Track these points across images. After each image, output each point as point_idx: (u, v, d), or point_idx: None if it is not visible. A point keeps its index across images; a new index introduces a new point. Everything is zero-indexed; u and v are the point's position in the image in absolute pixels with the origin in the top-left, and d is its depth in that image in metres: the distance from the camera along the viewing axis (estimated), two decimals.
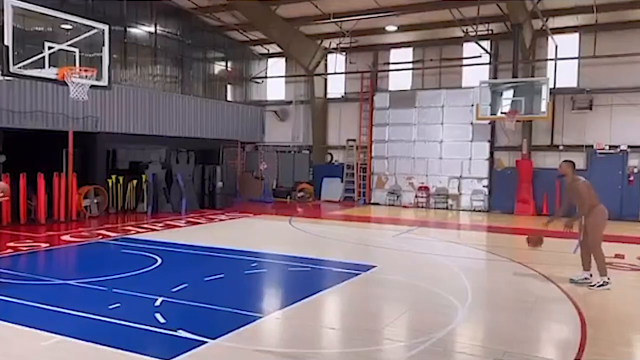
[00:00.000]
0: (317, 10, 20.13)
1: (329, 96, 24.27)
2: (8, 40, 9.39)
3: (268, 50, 24.93)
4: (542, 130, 19.87)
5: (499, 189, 20.19)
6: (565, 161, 8.93)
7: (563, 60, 19.13)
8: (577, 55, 19.19)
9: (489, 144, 20.57)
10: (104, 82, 11.10)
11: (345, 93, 23.85)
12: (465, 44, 20.95)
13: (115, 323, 6.20)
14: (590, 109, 19.05)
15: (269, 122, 25.10)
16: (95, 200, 15.99)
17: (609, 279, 8.39)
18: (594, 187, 8.71)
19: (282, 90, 25.48)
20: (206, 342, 5.66)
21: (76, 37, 10.76)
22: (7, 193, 8.97)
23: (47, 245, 11.53)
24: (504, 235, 14.94)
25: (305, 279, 9.06)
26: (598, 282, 8.36)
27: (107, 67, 11.12)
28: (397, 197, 21.95)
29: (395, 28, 20.31)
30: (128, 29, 19.70)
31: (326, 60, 23.98)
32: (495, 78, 20.32)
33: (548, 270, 9.60)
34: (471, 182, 20.78)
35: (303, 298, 7.53)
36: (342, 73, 23.28)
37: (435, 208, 20.99)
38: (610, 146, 18.65)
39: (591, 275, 8.55)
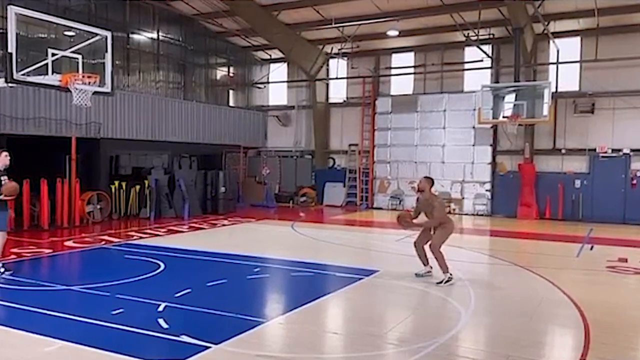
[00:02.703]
0: (318, 16, 20.19)
1: (330, 101, 24.30)
2: (12, 47, 9.47)
3: (270, 55, 25.00)
4: (545, 134, 19.86)
5: (502, 193, 20.16)
6: (425, 177, 9.43)
7: (565, 63, 19.13)
8: (578, 59, 19.19)
9: (491, 147, 20.55)
10: (107, 88, 11.17)
11: (347, 98, 23.88)
12: (466, 48, 20.98)
13: (119, 328, 6.21)
14: (593, 112, 19.03)
15: (271, 127, 25.16)
16: (99, 206, 16.03)
17: (451, 274, 8.72)
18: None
19: (284, 95, 25.53)
20: (209, 347, 5.66)
21: (79, 43, 10.83)
22: (16, 193, 9.07)
23: (51, 251, 11.56)
24: (507, 239, 14.92)
25: (308, 284, 9.06)
26: (444, 279, 8.67)
27: (110, 74, 11.19)
28: (400, 201, 21.92)
29: (396, 33, 20.36)
30: (131, 36, 19.80)
31: (328, 65, 24.04)
32: (497, 82, 20.32)
33: (551, 273, 9.59)
34: (474, 186, 20.76)
35: (306, 303, 7.53)
36: (343, 78, 23.31)
37: None
38: (612, 149, 18.63)
39: (432, 268, 9.08)
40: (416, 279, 9.05)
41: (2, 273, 8.85)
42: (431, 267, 9.12)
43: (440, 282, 8.64)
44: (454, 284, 8.60)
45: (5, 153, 8.98)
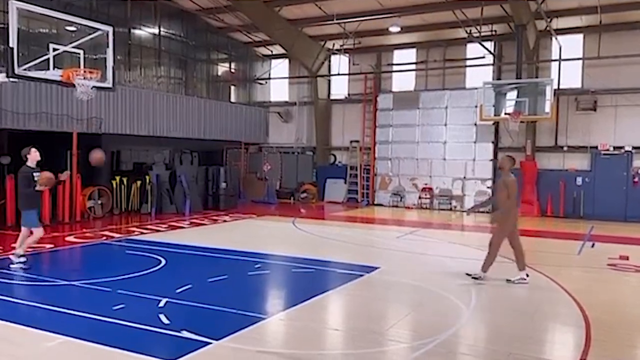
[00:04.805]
0: (320, 12, 20.13)
1: (332, 97, 24.27)
2: (13, 42, 9.45)
3: (271, 51, 24.95)
4: (546, 131, 19.83)
5: None
6: (507, 156, 9.10)
7: (567, 61, 19.07)
8: (581, 56, 19.13)
9: (493, 145, 20.52)
10: (108, 83, 11.15)
11: (348, 94, 23.84)
12: (468, 45, 20.92)
13: (120, 324, 6.22)
14: (595, 109, 18.98)
15: (272, 123, 25.13)
16: (100, 202, 16.04)
17: (484, 276, 8.62)
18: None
19: (285, 91, 25.50)
20: (210, 343, 5.67)
21: (80, 38, 10.80)
22: (51, 184, 9.28)
23: (52, 246, 11.56)
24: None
25: (309, 280, 9.06)
26: (477, 275, 8.56)
27: (111, 69, 11.17)
28: (401, 198, 21.92)
29: (398, 29, 20.30)
30: (132, 31, 19.76)
31: (329, 61, 23.98)
32: (499, 79, 20.27)
33: (552, 271, 9.58)
34: (475, 183, 20.74)
35: (306, 299, 7.53)
36: (345, 74, 23.24)
37: (438, 209, 20.96)
38: (614, 147, 18.60)
39: (528, 276, 8.73)
40: (415, 276, 9.05)
41: (22, 263, 8.95)
42: (527, 275, 8.71)
43: (471, 275, 8.62)
44: (483, 284, 8.47)
45: (34, 149, 9.18)
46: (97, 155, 10.07)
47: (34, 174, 9.06)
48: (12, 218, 13.88)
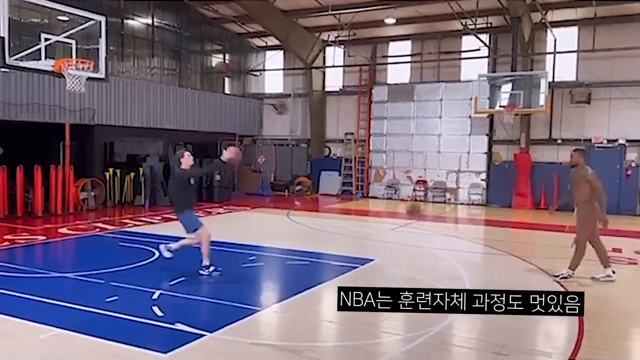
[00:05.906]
0: (315, 3, 20.00)
1: (327, 89, 24.18)
2: (4, 31, 9.34)
3: (266, 42, 24.81)
4: (541, 124, 19.85)
5: (497, 182, 20.17)
6: (576, 150, 8.81)
7: (562, 53, 19.06)
8: (575, 49, 19.13)
9: (487, 137, 20.53)
10: (101, 74, 11.07)
11: (343, 86, 23.76)
12: (464, 37, 20.85)
13: (113, 316, 6.19)
14: (589, 102, 19.00)
15: (267, 115, 25.05)
16: (93, 193, 15.96)
17: (573, 273, 8.39)
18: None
19: (280, 83, 25.38)
20: (204, 335, 5.65)
21: (73, 28, 10.70)
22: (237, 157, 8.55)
23: (44, 238, 11.51)
24: (502, 229, 14.95)
25: (303, 272, 9.06)
26: (562, 274, 8.35)
27: (104, 59, 11.09)
28: (395, 190, 21.92)
29: (393, 21, 20.21)
30: (125, 21, 19.56)
31: (324, 53, 23.86)
32: (494, 71, 20.25)
33: (546, 264, 9.61)
34: (469, 176, 20.76)
35: (301, 291, 7.53)
36: (340, 66, 23.17)
37: (433, 202, 20.98)
38: (608, 140, 18.64)
39: (614, 272, 8.52)
40: (409, 268, 9.05)
41: (210, 269, 8.29)
42: (613, 272, 8.45)
43: (557, 276, 8.29)
44: (571, 282, 8.20)
45: (187, 153, 8.55)
46: (234, 151, 8.76)
47: (191, 179, 8.52)
48: (5, 210, 13.79)
